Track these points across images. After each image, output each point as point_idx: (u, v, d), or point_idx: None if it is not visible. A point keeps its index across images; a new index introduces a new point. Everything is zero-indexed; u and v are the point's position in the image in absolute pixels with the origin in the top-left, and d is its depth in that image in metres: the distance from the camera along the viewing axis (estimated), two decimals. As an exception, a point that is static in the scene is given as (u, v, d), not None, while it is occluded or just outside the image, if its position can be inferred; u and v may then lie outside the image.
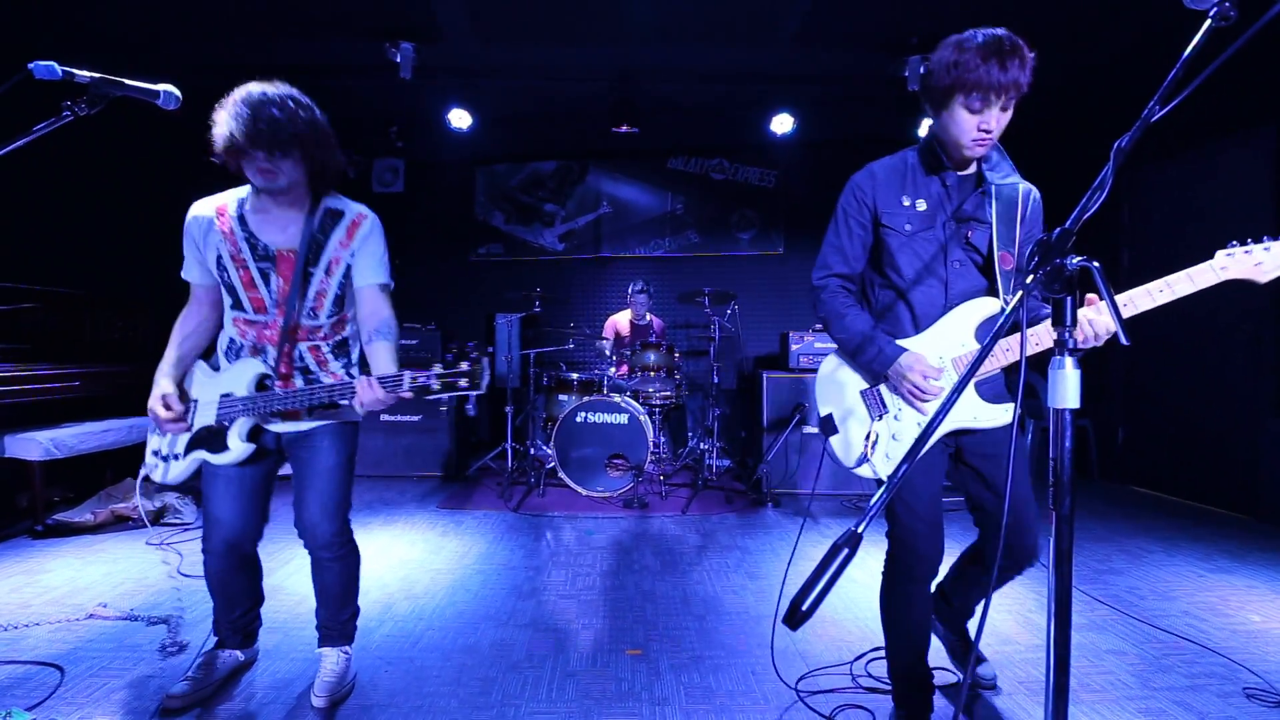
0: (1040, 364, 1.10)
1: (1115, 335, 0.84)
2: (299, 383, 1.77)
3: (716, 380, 4.65)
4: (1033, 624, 2.38)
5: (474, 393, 1.52)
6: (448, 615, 2.44)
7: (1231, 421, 4.02)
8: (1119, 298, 1.31)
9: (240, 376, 1.71)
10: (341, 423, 1.82)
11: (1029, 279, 0.85)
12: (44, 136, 1.30)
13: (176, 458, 1.78)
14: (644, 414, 4.24)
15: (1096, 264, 0.82)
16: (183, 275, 1.82)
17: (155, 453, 1.84)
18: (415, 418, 4.80)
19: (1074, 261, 0.83)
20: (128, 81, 1.34)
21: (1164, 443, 4.50)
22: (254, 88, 1.59)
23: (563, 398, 4.47)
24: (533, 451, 4.65)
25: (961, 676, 1.98)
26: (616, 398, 4.20)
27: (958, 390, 0.81)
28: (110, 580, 2.72)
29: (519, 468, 4.65)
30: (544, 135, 5.86)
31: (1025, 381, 0.93)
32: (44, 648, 2.13)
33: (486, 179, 6.09)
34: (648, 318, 5.14)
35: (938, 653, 1.95)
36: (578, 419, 4.15)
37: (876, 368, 1.55)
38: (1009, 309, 0.88)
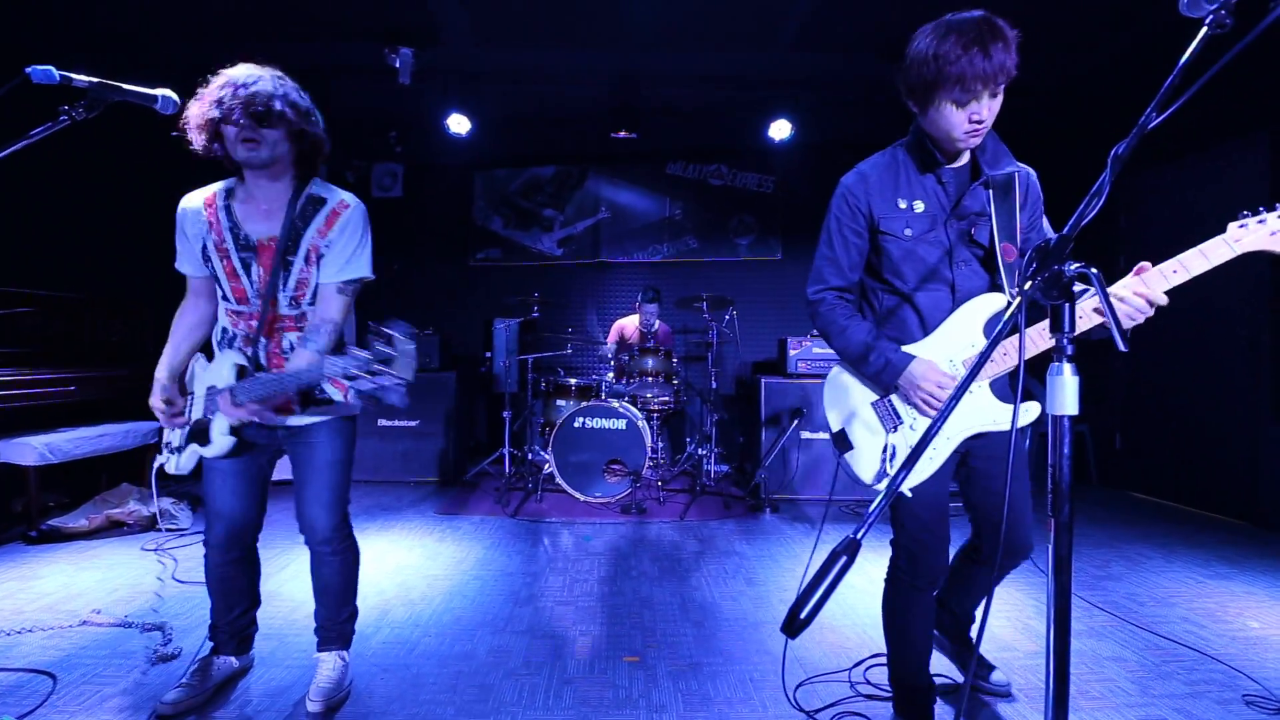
0: (1038, 368, 1.10)
1: (1113, 341, 0.83)
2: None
3: (715, 385, 4.64)
4: (1032, 630, 2.37)
5: (394, 382, 1.37)
6: (444, 621, 2.43)
7: (1230, 427, 4.02)
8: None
9: (221, 368, 1.73)
10: (338, 418, 1.81)
11: (1027, 285, 0.85)
12: (42, 139, 1.30)
13: (180, 450, 1.81)
14: (642, 419, 4.23)
15: (1095, 270, 0.82)
16: (176, 267, 1.83)
17: (167, 444, 1.86)
18: (413, 423, 4.79)
19: (1072, 268, 0.83)
20: (126, 86, 1.34)
21: (1162, 448, 4.50)
22: (241, 66, 1.61)
23: (561, 403, 4.47)
24: (530, 457, 4.64)
25: (970, 680, 1.97)
26: (614, 403, 4.19)
27: (957, 396, 0.81)
28: (105, 586, 2.70)
29: (516, 473, 4.64)
30: (543, 140, 5.87)
31: (1025, 387, 0.93)
32: (36, 655, 2.11)
33: (485, 184, 6.10)
34: (655, 325, 5.13)
35: (939, 660, 1.94)
36: (576, 424, 4.15)
37: (886, 379, 1.48)
38: (1008, 313, 0.88)
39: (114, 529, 3.44)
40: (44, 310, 3.78)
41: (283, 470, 1.83)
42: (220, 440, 1.71)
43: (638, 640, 2.29)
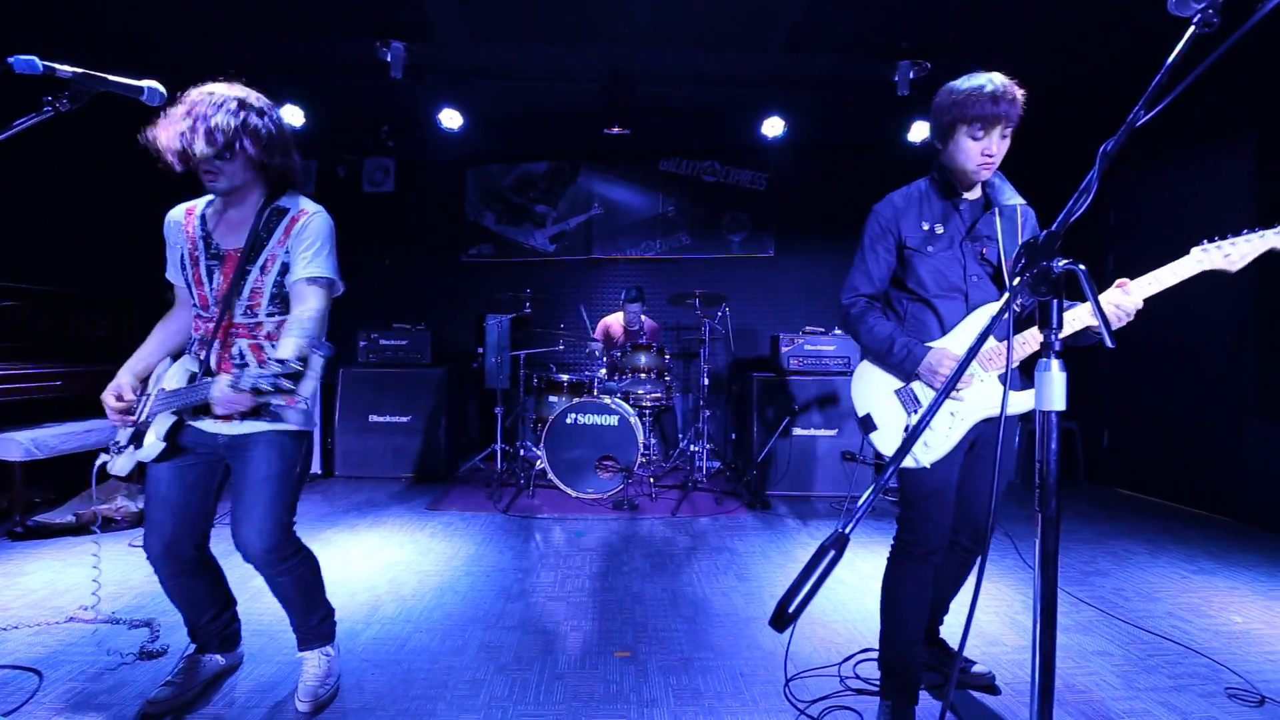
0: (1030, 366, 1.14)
1: (1100, 339, 0.84)
2: None
3: (707, 382, 4.65)
4: (1019, 625, 2.40)
5: (290, 400, 1.41)
6: (435, 617, 2.42)
7: (1214, 424, 4.07)
8: (1083, 307, 1.51)
9: (175, 372, 1.72)
10: (280, 432, 1.72)
11: (1015, 281, 0.86)
12: (27, 133, 1.28)
13: (122, 450, 1.77)
14: (634, 416, 4.23)
15: (1082, 267, 0.83)
16: (166, 276, 1.84)
17: (115, 443, 1.81)
18: (405, 419, 4.77)
19: (1060, 264, 0.83)
20: (111, 77, 1.32)
21: (1148, 445, 4.55)
22: (206, 87, 1.59)
23: (553, 399, 4.46)
24: (522, 453, 4.63)
25: (941, 679, 1.99)
26: (607, 399, 4.19)
27: (957, 373, 0.83)
28: (91, 583, 2.67)
29: (508, 469, 4.63)
30: (536, 136, 5.85)
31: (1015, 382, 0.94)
32: (22, 651, 2.09)
33: (478, 179, 6.07)
34: (642, 320, 5.13)
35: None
36: (568, 420, 4.14)
37: (908, 366, 1.69)
38: (999, 306, 0.88)
39: (103, 525, 3.41)
40: (29, 305, 3.74)
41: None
42: (150, 443, 1.68)
43: (629, 636, 2.30)
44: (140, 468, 1.77)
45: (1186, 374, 4.25)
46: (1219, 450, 4.02)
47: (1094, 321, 1.48)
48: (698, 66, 4.52)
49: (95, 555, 2.23)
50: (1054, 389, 0.86)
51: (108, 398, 1.73)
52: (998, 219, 1.74)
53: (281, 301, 1.73)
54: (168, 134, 1.55)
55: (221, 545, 1.92)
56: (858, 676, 2.02)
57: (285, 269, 1.72)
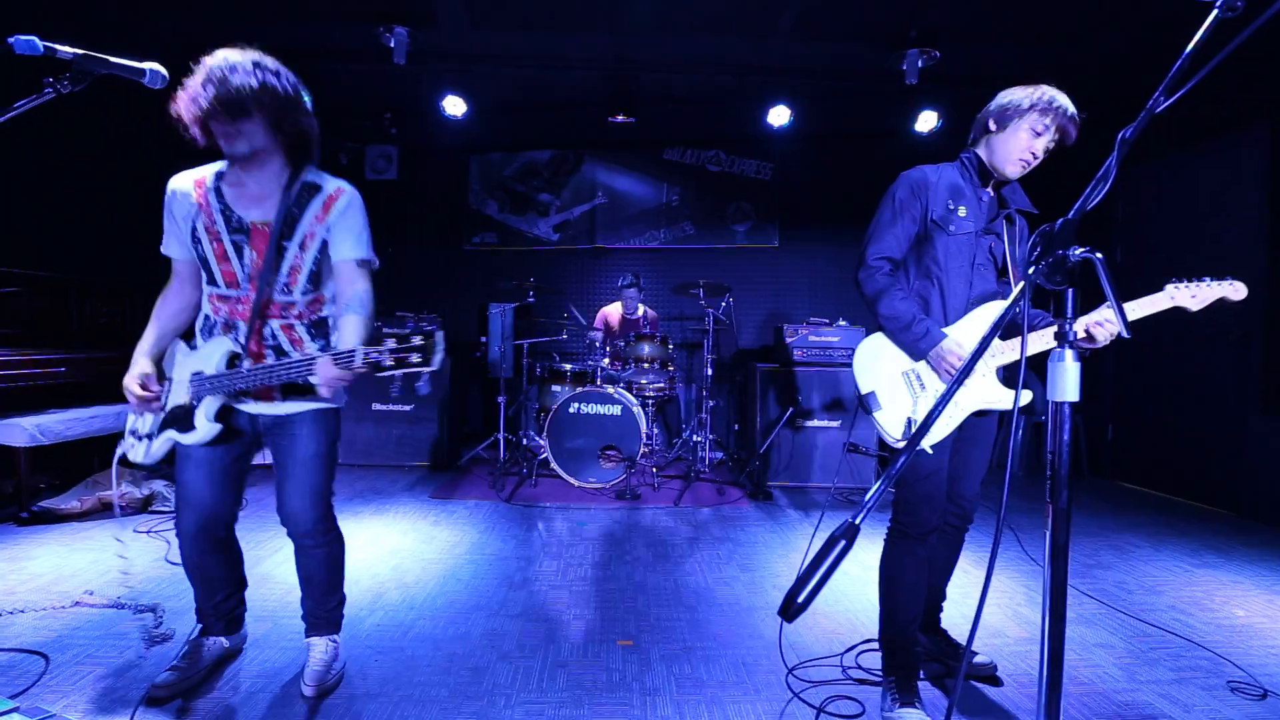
0: (1037, 364, 1.15)
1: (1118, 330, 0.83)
2: (271, 361, 1.70)
3: (710, 372, 4.64)
4: (1022, 617, 2.40)
5: (426, 369, 1.39)
6: (439, 605, 2.43)
7: (1218, 419, 4.05)
8: (1085, 319, 1.58)
9: (211, 354, 1.68)
10: (321, 410, 1.78)
11: (1030, 270, 0.84)
12: (29, 116, 1.26)
13: (151, 437, 1.76)
14: (637, 405, 4.23)
15: (1099, 255, 0.81)
16: (163, 250, 1.79)
17: (133, 432, 1.81)
18: (407, 407, 4.77)
19: (1077, 253, 0.82)
20: (112, 59, 1.30)
21: (1152, 440, 4.53)
22: (220, 53, 1.55)
23: (556, 388, 4.45)
24: (525, 442, 4.64)
25: (942, 669, 1.99)
26: (610, 389, 4.18)
27: (968, 367, 0.82)
28: (97, 568, 2.69)
29: (511, 458, 4.63)
30: (539, 124, 5.80)
31: (1023, 378, 0.94)
32: (29, 635, 2.10)
33: (481, 167, 6.04)
34: (640, 310, 5.11)
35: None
36: (571, 410, 4.14)
37: (924, 345, 1.71)
38: (1010, 300, 0.87)
39: (106, 511, 3.43)
40: (32, 291, 3.73)
41: (262, 454, 1.81)
42: (204, 426, 1.67)
43: (631, 624, 2.30)
44: (169, 454, 1.77)
45: (1191, 368, 4.23)
46: (1222, 445, 4.00)
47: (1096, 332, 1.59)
48: (703, 53, 4.47)
49: (120, 540, 2.24)
50: (1067, 380, 0.85)
51: (132, 386, 1.71)
52: (1004, 223, 1.81)
53: (315, 279, 1.72)
54: (187, 103, 1.52)
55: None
56: (859, 666, 2.02)
57: (324, 246, 1.70)
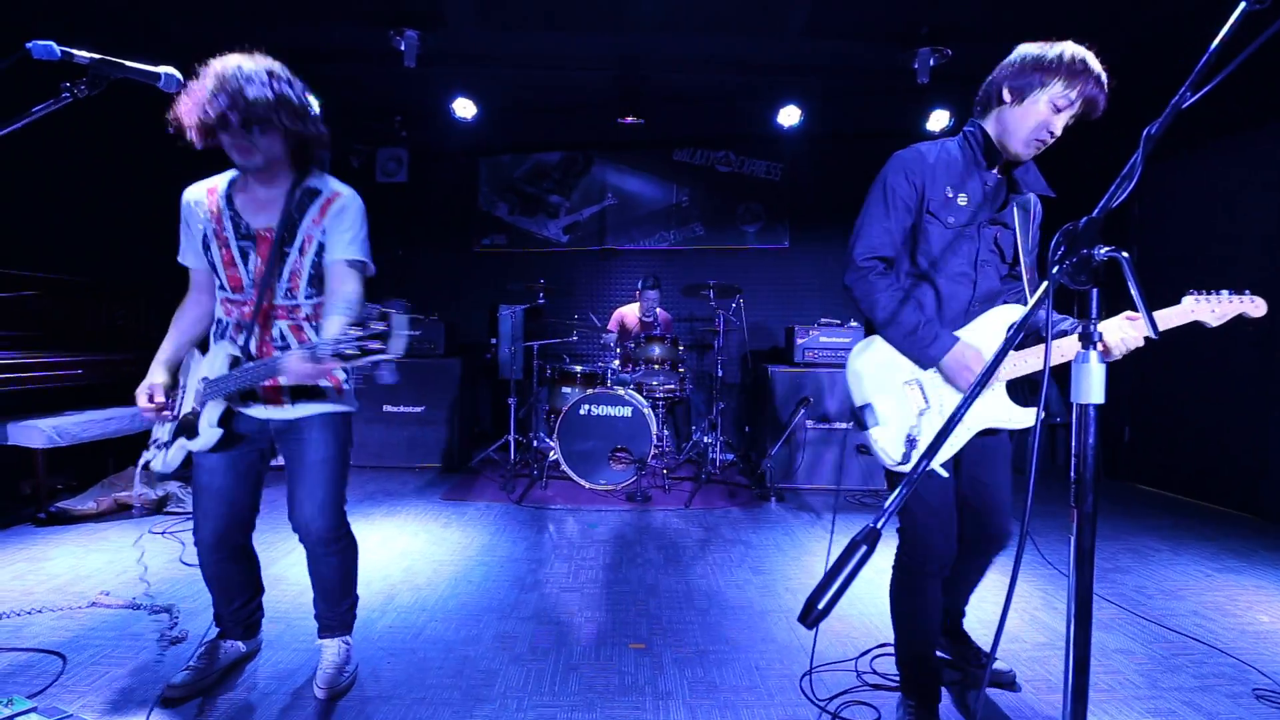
0: (1057, 373, 1.11)
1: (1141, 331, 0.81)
2: None
3: (720, 374, 4.62)
4: (1039, 622, 2.36)
5: (385, 357, 1.33)
6: (450, 607, 2.43)
7: (1238, 420, 3.98)
8: (1101, 324, 1.39)
9: (215, 359, 1.70)
10: (331, 413, 1.77)
11: (1054, 269, 0.83)
12: (44, 120, 1.27)
13: (168, 445, 1.78)
14: (647, 407, 4.22)
15: (1125, 254, 0.79)
16: (179, 260, 1.82)
17: (154, 440, 1.83)
18: (418, 409, 4.79)
19: (1102, 251, 0.80)
20: (128, 63, 1.31)
21: (1170, 442, 4.46)
22: (230, 60, 1.54)
23: (566, 390, 4.45)
24: (535, 444, 4.64)
25: (960, 676, 1.96)
26: (620, 391, 4.17)
27: (980, 384, 0.79)
28: (113, 569, 2.71)
29: (522, 460, 4.64)
30: (549, 126, 5.82)
31: (1030, 396, 0.92)
32: (46, 635, 2.12)
33: (491, 169, 6.05)
34: (657, 312, 5.10)
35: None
36: (581, 411, 4.14)
37: (934, 352, 1.50)
38: (1032, 302, 0.85)
39: (122, 512, 3.46)
40: (48, 293, 3.78)
41: (277, 457, 1.82)
42: (206, 432, 1.68)
43: (643, 627, 2.29)
44: (186, 460, 1.77)
45: (1209, 368, 4.16)
46: (1242, 446, 3.93)
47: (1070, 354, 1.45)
48: (712, 53, 4.47)
49: (139, 545, 2.26)
50: (1092, 382, 0.83)
51: (140, 398, 1.73)
52: (1015, 210, 1.57)
53: (318, 283, 1.73)
54: (193, 109, 1.51)
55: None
56: (875, 672, 2.00)
57: (321, 249, 1.71)
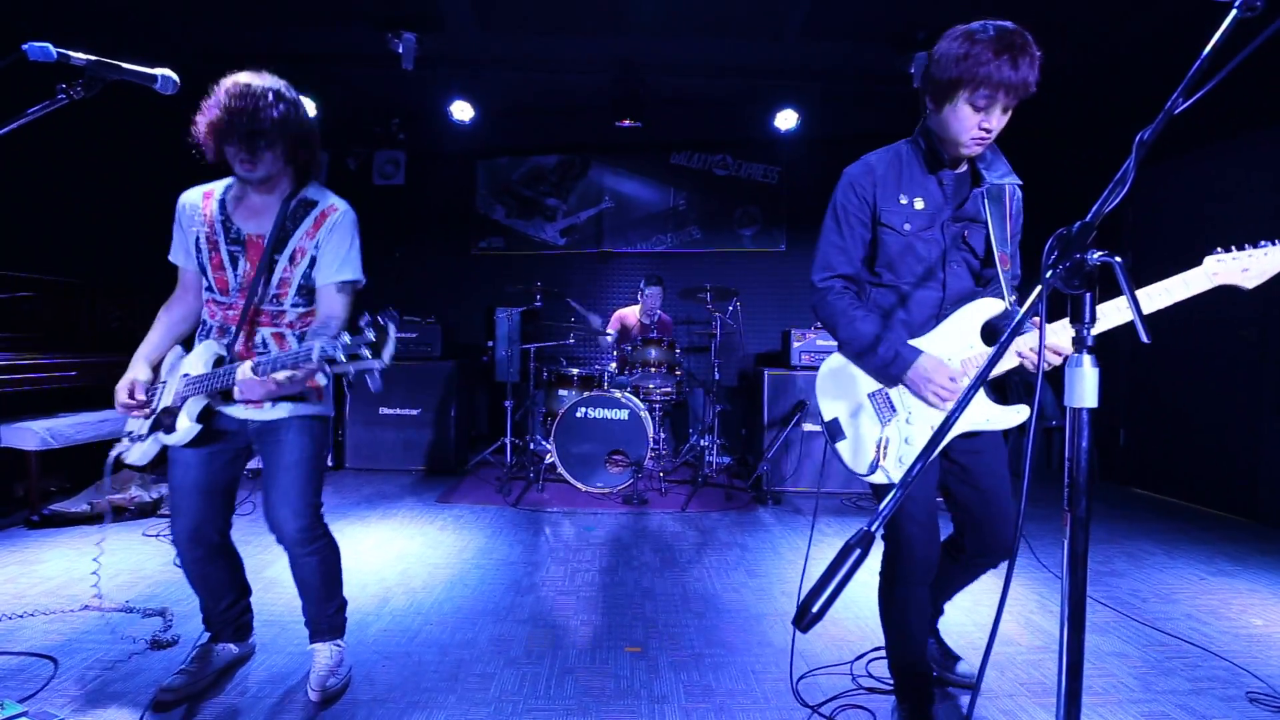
0: (1051, 376, 1.10)
1: (1136, 331, 0.81)
2: None
3: (718, 377, 4.63)
4: (1034, 625, 2.37)
5: (377, 365, 1.34)
6: (445, 610, 2.43)
7: (1232, 424, 4.00)
8: (1109, 304, 1.33)
9: (199, 357, 1.71)
10: (308, 416, 1.79)
11: (1048, 274, 0.83)
12: (41, 122, 1.27)
13: (142, 438, 1.77)
14: (644, 410, 4.22)
15: (1119, 259, 0.80)
16: (170, 258, 1.84)
17: (129, 434, 1.82)
18: (414, 411, 4.78)
19: (1095, 256, 0.80)
20: (124, 65, 1.31)
21: (1165, 445, 4.48)
22: (240, 78, 1.60)
23: (563, 393, 4.45)
24: (532, 446, 4.63)
25: (981, 678, 1.96)
26: (617, 393, 4.17)
27: (972, 389, 0.79)
28: (106, 571, 2.69)
29: (518, 463, 4.63)
30: (546, 129, 5.82)
31: (1020, 392, 0.92)
32: (38, 639, 2.11)
33: (488, 172, 6.05)
34: (658, 313, 5.09)
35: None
36: (578, 414, 4.13)
37: (894, 371, 1.48)
38: (1026, 305, 0.86)
39: (117, 514, 3.44)
40: (43, 295, 3.76)
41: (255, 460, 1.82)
42: (185, 425, 1.68)
43: (639, 631, 2.29)
44: (159, 456, 1.77)
45: (1204, 371, 4.18)
46: (1237, 449, 3.95)
47: (1027, 359, 1.39)
48: (710, 57, 4.48)
49: (99, 546, 2.25)
50: (1085, 385, 0.84)
51: (120, 394, 1.74)
52: (985, 200, 1.51)
53: (307, 293, 1.75)
54: (209, 128, 1.58)
55: (236, 533, 1.93)
56: (870, 675, 2.00)
57: (313, 262, 1.73)
